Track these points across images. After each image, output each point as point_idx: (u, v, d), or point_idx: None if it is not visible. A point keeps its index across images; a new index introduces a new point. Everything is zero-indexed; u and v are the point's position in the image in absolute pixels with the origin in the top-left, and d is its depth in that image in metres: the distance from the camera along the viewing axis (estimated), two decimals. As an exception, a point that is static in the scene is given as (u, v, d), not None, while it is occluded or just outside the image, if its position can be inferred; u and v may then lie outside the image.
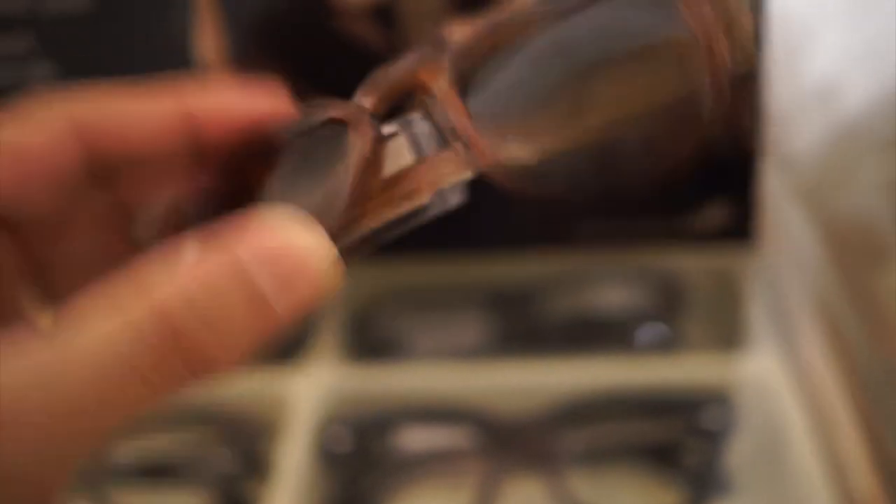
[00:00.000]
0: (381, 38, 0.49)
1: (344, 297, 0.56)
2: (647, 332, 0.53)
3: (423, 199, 0.23)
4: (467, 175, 0.23)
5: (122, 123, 0.25)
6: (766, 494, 0.47)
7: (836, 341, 0.51)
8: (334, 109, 0.24)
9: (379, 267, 0.53)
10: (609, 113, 0.23)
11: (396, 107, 0.24)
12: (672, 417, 0.49)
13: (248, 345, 0.20)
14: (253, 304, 0.20)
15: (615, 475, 0.49)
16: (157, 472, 0.50)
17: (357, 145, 0.22)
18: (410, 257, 0.54)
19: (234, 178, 0.25)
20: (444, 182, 0.23)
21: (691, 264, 0.55)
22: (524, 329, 0.54)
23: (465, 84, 0.24)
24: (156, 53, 0.47)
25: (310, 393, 0.51)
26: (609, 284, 0.55)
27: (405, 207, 0.23)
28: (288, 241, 0.20)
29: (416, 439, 0.50)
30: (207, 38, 0.51)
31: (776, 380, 0.49)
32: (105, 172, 0.25)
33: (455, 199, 0.24)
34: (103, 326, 0.19)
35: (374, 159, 0.23)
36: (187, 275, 0.20)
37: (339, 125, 0.23)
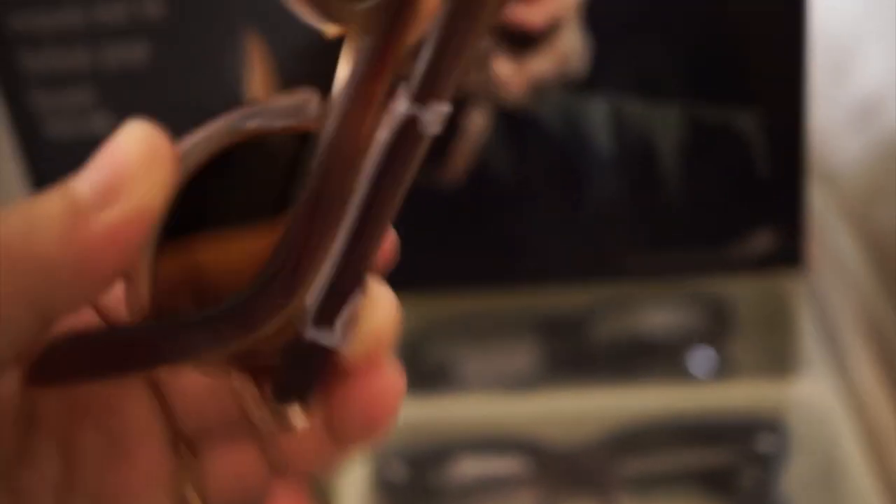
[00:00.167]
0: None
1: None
2: (698, 357, 0.54)
3: None
4: None
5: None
6: (823, 518, 0.47)
7: (888, 361, 0.51)
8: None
9: (430, 297, 0.54)
10: None
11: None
12: (725, 443, 0.49)
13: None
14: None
15: (669, 502, 0.49)
16: None
17: None
18: (462, 290, 0.54)
19: None
20: None
21: (740, 288, 0.55)
22: (575, 356, 0.55)
23: None
24: (213, 100, 0.48)
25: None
26: (659, 310, 0.55)
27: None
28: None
29: (471, 468, 0.51)
30: (257, 76, 0.52)
31: (829, 402, 0.49)
32: None
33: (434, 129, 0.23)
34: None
35: None
36: None
37: None
